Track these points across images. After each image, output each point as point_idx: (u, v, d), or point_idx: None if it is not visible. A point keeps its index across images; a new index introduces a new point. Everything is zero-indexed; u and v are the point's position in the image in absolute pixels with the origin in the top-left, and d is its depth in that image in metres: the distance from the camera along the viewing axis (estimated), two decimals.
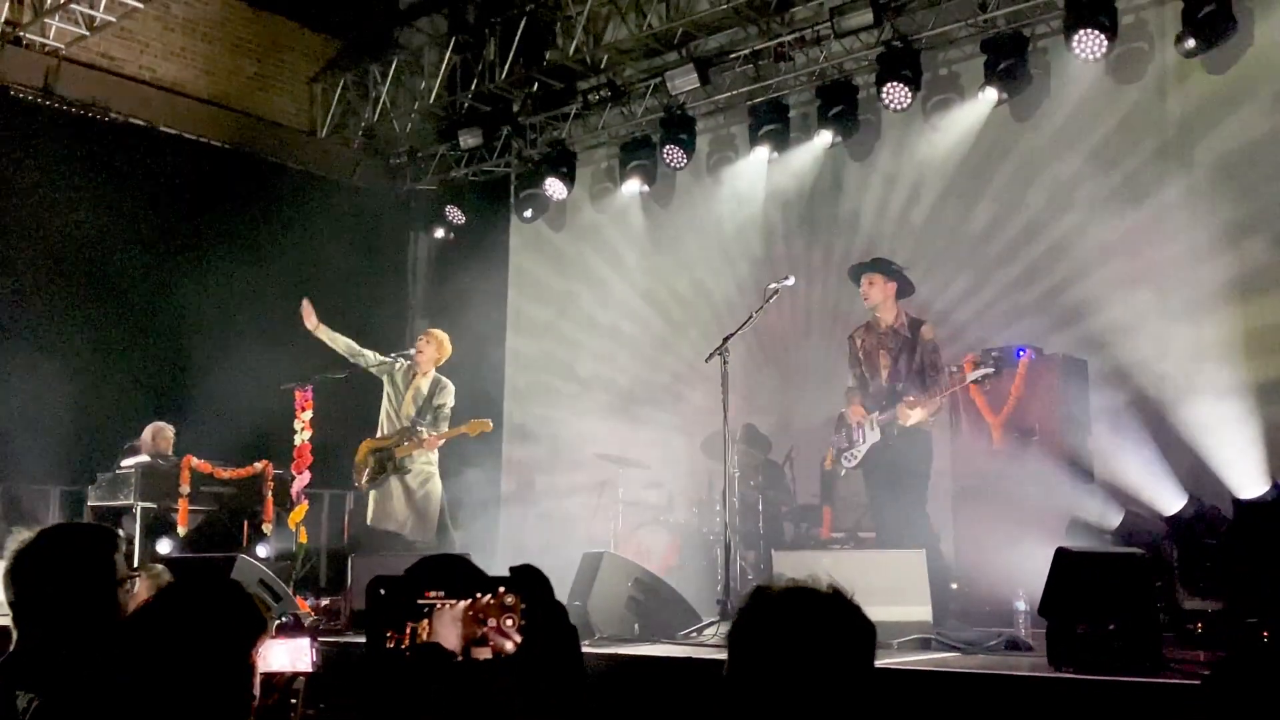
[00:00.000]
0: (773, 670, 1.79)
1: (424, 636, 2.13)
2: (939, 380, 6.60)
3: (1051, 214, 8.55)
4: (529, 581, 2.14)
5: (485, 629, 2.10)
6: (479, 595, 2.13)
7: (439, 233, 11.94)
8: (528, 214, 11.35)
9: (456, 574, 2.21)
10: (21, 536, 2.48)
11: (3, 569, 2.50)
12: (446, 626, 2.12)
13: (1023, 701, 4.04)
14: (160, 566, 4.20)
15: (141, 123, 10.45)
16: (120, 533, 2.63)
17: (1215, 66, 7.78)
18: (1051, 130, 8.63)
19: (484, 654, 2.11)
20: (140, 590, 2.66)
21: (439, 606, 2.15)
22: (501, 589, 2.14)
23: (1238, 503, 6.07)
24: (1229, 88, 7.79)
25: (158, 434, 8.65)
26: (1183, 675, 3.95)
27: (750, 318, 6.65)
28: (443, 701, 2.03)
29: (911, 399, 6.50)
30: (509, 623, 2.09)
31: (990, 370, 6.45)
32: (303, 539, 8.96)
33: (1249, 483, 6.83)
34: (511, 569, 2.18)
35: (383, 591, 2.21)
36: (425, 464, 7.72)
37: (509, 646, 2.11)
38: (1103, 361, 7.81)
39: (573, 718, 2.02)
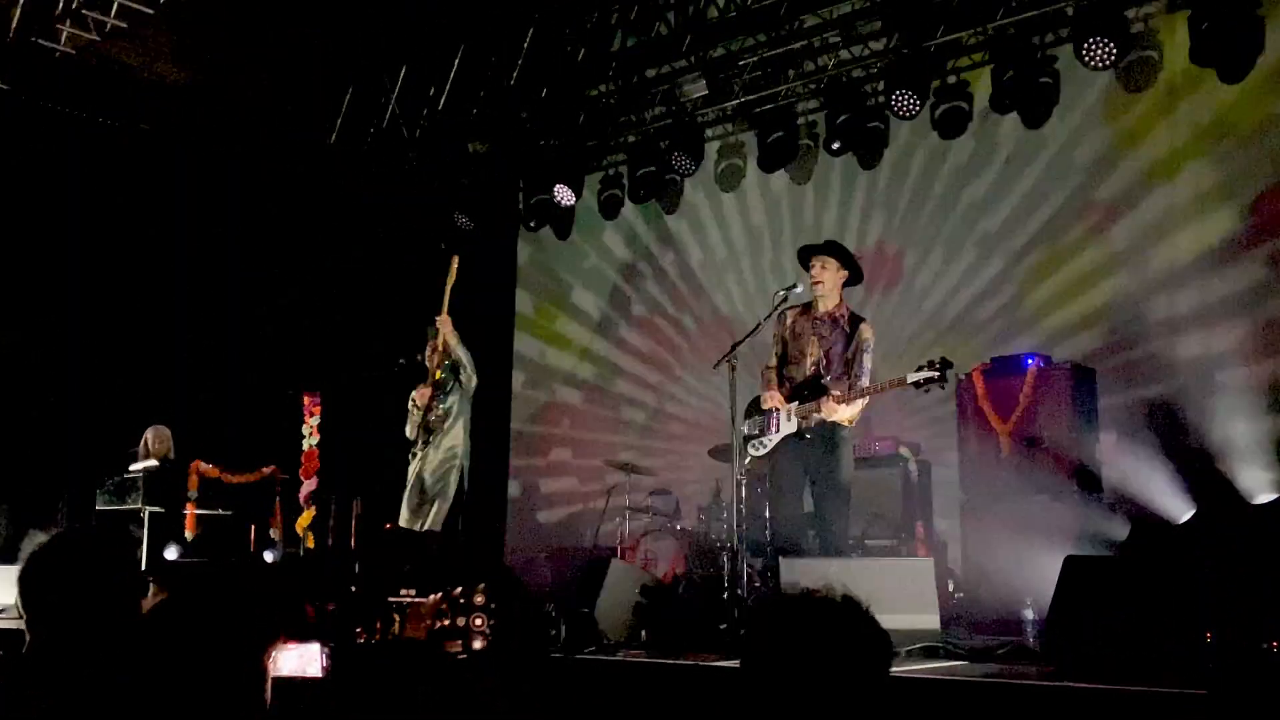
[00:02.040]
0: (787, 678, 1.78)
1: (395, 632, 2.16)
2: (871, 381, 6.26)
3: (1061, 222, 8.55)
4: (500, 581, 2.18)
5: (456, 625, 2.14)
6: (450, 591, 2.17)
7: (440, 248, 12.01)
8: (535, 221, 11.37)
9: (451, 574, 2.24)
10: (36, 540, 2.48)
11: (16, 573, 2.49)
12: (417, 622, 2.16)
13: (1031, 710, 4.03)
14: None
15: (150, 128, 10.48)
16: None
17: (1227, 75, 7.75)
18: (1061, 138, 8.62)
19: (454, 648, 2.15)
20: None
21: (410, 604, 2.19)
22: (473, 587, 2.17)
23: (1249, 508, 6.06)
24: (1241, 96, 7.77)
25: (155, 436, 8.64)
26: (1193, 685, 3.93)
27: (758, 325, 6.64)
28: (414, 695, 2.05)
29: (839, 394, 6.17)
30: (478, 621, 2.13)
31: (934, 375, 5.95)
32: (310, 544, 8.98)
33: (1260, 490, 6.81)
34: (484, 569, 2.23)
35: (354, 589, 2.23)
36: (449, 450, 7.62)
37: (478, 643, 2.15)
38: (1112, 370, 7.79)
39: (538, 711, 2.04)
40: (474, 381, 7.74)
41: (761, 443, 6.45)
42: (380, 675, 2.09)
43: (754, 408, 6.58)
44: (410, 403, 7.83)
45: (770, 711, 1.79)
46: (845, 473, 6.33)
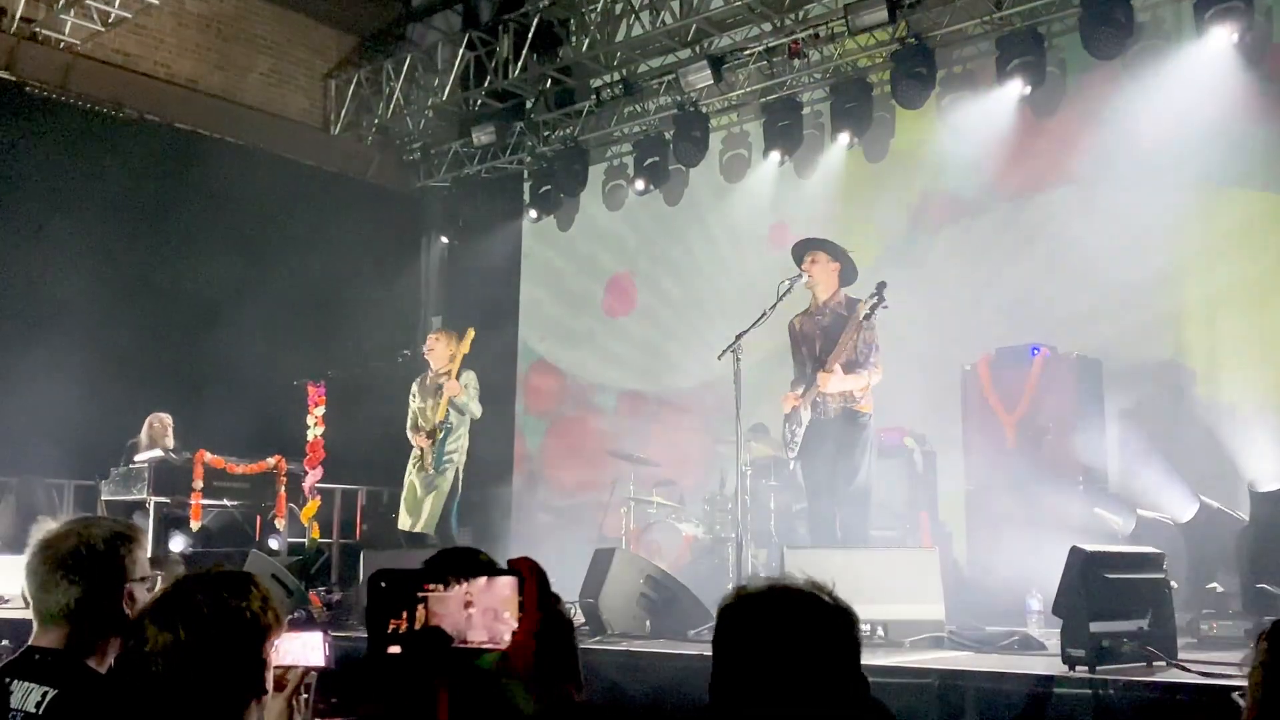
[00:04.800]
0: (752, 666, 1.79)
1: (422, 622, 2.15)
2: (858, 343, 6.29)
3: (1066, 212, 8.51)
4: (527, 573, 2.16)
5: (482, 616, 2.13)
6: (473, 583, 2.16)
7: (444, 239, 12.03)
8: (539, 211, 11.36)
9: (471, 568, 2.23)
10: (45, 527, 2.46)
11: (25, 562, 2.48)
12: (442, 615, 2.15)
13: (1036, 700, 4.03)
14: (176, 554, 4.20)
15: (155, 119, 10.49)
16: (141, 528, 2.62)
17: (1242, 63, 7.71)
18: (1067, 128, 8.59)
19: (481, 640, 2.14)
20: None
21: (436, 596, 2.18)
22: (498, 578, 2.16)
23: (1254, 496, 6.05)
24: (1253, 84, 7.72)
25: (155, 422, 8.64)
26: (1197, 675, 3.92)
27: (763, 315, 6.62)
28: (441, 685, 2.05)
29: (828, 360, 6.24)
30: (506, 612, 2.12)
31: (875, 299, 6.14)
32: (315, 534, 9.00)
33: (1265, 480, 6.79)
34: (510, 561, 2.21)
35: (384, 584, 2.23)
36: (452, 453, 7.65)
37: (506, 636, 2.14)
38: (1118, 362, 7.76)
39: (567, 705, 2.03)
40: (478, 409, 7.73)
41: (794, 444, 6.53)
42: (409, 665, 2.08)
43: (785, 419, 6.63)
44: (412, 439, 7.81)
45: (743, 699, 1.79)
46: (864, 471, 6.36)
